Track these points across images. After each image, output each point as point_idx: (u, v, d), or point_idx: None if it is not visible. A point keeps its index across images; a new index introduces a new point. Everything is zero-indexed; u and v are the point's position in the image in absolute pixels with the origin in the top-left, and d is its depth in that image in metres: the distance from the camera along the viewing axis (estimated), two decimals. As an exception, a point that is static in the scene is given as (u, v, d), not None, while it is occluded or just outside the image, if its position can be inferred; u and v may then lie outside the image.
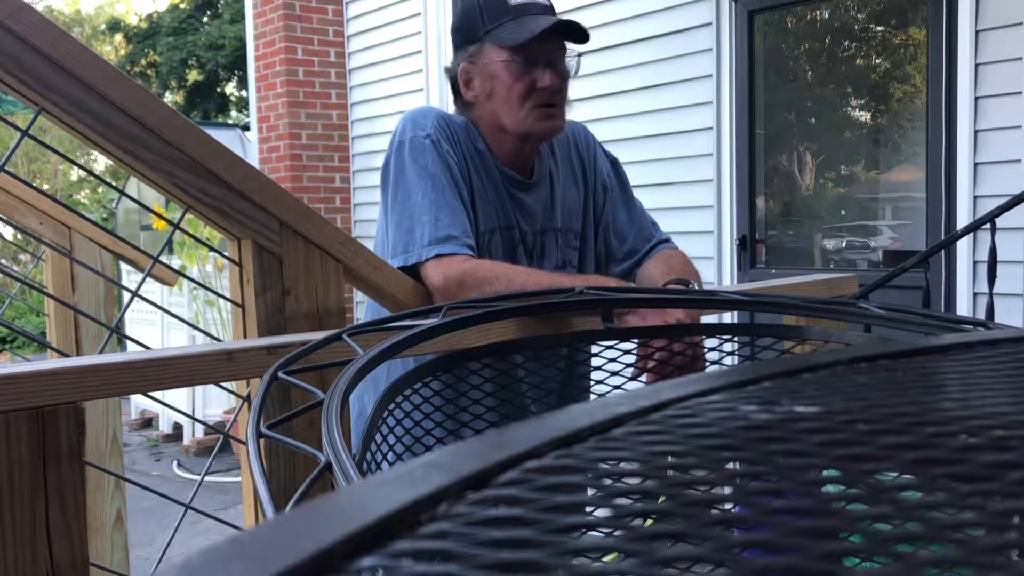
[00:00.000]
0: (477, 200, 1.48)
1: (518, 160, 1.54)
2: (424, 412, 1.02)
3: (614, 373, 1.14)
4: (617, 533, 0.25)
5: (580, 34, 1.50)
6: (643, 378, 1.23)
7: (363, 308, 1.59)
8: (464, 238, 1.39)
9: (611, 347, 1.18)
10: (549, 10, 1.48)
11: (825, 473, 0.30)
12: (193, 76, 17.18)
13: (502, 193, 1.52)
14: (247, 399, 1.12)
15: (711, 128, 4.34)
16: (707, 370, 1.25)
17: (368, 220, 6.35)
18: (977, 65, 3.49)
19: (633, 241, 1.64)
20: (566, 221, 1.60)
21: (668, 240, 1.67)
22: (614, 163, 1.71)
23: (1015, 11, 3.36)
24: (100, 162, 19.02)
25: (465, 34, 1.52)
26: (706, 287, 1.50)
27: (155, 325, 6.27)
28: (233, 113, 18.31)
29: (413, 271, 1.39)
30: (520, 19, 1.45)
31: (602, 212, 1.64)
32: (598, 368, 1.17)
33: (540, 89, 1.46)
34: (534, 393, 1.34)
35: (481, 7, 1.49)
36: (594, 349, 1.21)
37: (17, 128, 1.05)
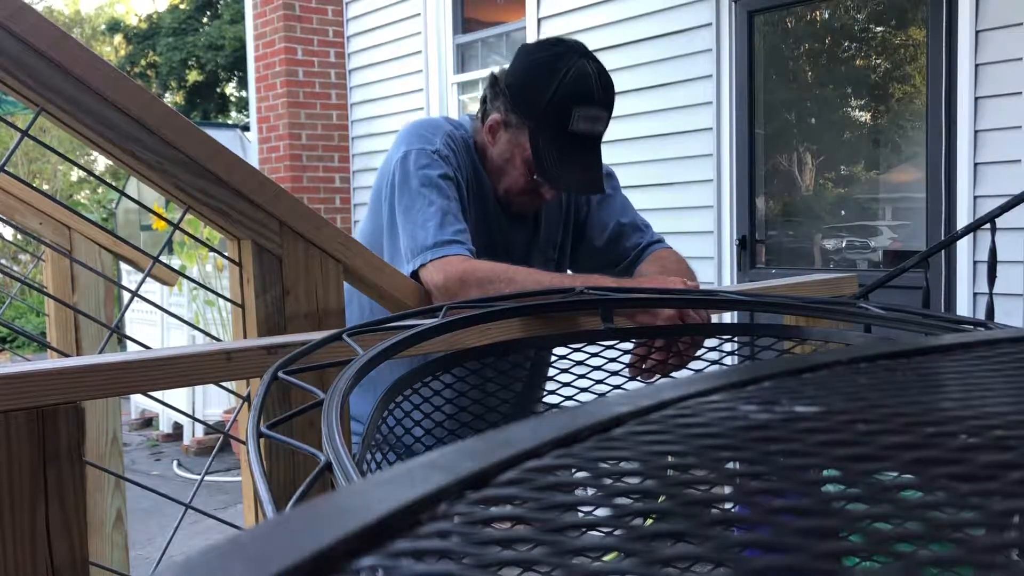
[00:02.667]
0: (472, 219, 1.52)
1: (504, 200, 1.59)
2: (424, 412, 1.02)
3: (614, 373, 1.14)
4: (617, 532, 0.25)
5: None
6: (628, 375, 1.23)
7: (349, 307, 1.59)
8: (467, 242, 1.42)
9: (611, 347, 1.18)
10: (598, 137, 1.50)
11: (825, 473, 0.30)
12: (193, 76, 17.18)
13: (491, 213, 1.57)
14: (247, 399, 1.12)
15: (711, 128, 4.34)
16: (707, 370, 1.25)
17: (368, 220, 6.35)
18: (977, 65, 3.49)
19: (623, 247, 1.66)
20: (547, 233, 1.64)
21: (660, 240, 1.67)
22: (608, 174, 1.71)
23: (1015, 11, 3.36)
24: (100, 162, 19.02)
25: (523, 98, 1.49)
26: (706, 287, 1.50)
27: (155, 325, 6.27)
28: (233, 113, 18.32)
29: (417, 275, 1.41)
30: (567, 149, 1.47)
31: (587, 222, 1.67)
32: (598, 368, 1.16)
33: (540, 189, 1.52)
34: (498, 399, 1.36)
35: (554, 95, 1.44)
36: (594, 349, 1.21)
37: (17, 128, 1.05)
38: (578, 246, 1.68)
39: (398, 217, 1.46)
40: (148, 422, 6.76)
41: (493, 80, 1.56)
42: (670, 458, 0.30)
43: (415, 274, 1.40)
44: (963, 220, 3.52)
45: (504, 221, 1.59)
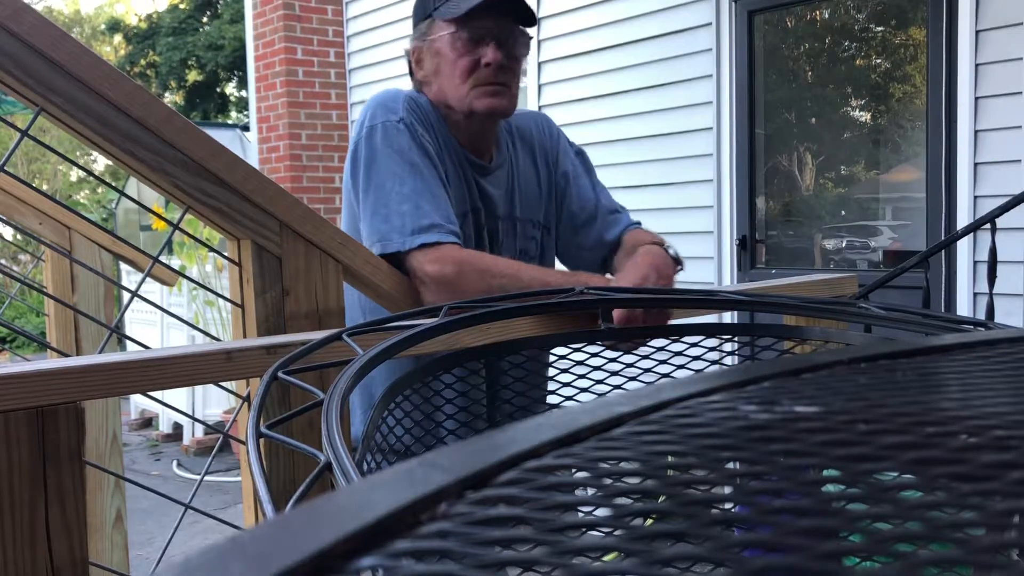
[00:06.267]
0: (450, 182, 1.44)
1: (472, 141, 1.50)
2: (424, 412, 1.02)
3: (614, 373, 1.14)
4: (617, 532, 0.25)
5: (525, 13, 1.46)
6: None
7: (349, 307, 1.54)
8: (448, 225, 1.35)
9: (611, 347, 1.18)
10: None
11: (825, 473, 0.30)
12: (193, 76, 17.19)
13: (468, 176, 1.49)
14: (247, 399, 1.12)
15: (711, 128, 4.34)
16: (707, 370, 1.25)
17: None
18: (977, 65, 3.49)
19: (600, 227, 1.61)
20: (526, 210, 1.57)
21: (638, 223, 1.64)
22: (579, 153, 1.68)
23: (1015, 11, 3.36)
24: (100, 162, 19.04)
25: (418, 12, 1.50)
26: (706, 287, 1.49)
27: (155, 325, 6.28)
28: (233, 113, 18.33)
29: (393, 261, 1.35)
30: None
31: (563, 201, 1.62)
32: (598, 368, 1.16)
33: (484, 65, 1.42)
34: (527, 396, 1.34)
35: None
36: (594, 349, 1.20)
37: (17, 128, 1.05)
38: (558, 227, 1.63)
39: (368, 197, 1.38)
40: (148, 422, 6.76)
41: (405, 51, 1.56)
42: (670, 458, 0.30)
43: (391, 258, 1.34)
44: (963, 220, 3.52)
45: (476, 179, 1.50)
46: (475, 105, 1.44)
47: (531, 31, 1.51)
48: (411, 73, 1.54)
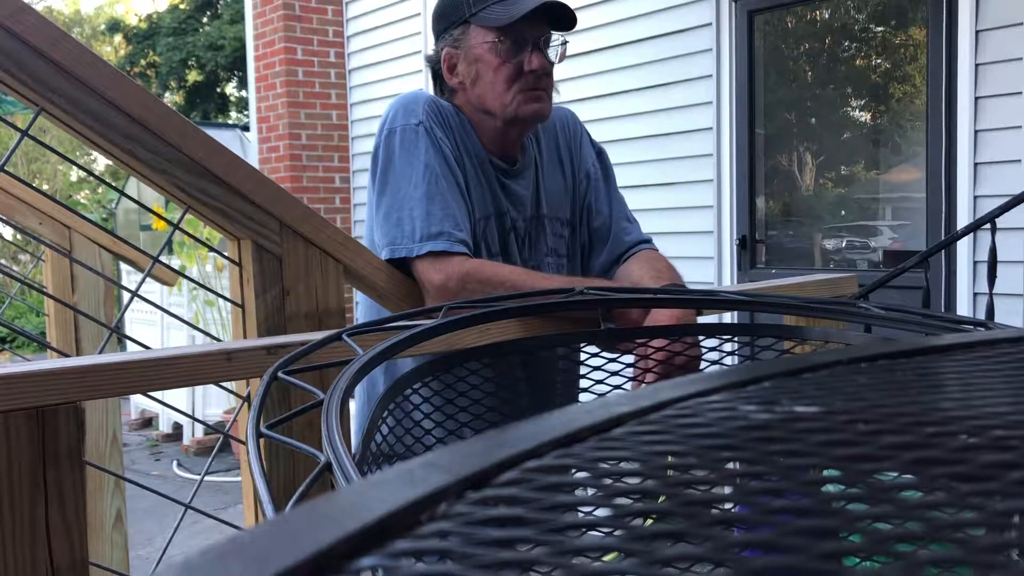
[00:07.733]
0: (471, 187, 1.45)
1: (503, 146, 1.51)
2: (424, 412, 1.02)
3: (614, 373, 1.14)
4: (617, 533, 0.25)
5: (569, 19, 1.46)
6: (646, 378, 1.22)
7: (360, 308, 1.57)
8: (456, 233, 1.36)
9: (611, 347, 1.18)
10: None
11: (825, 473, 0.30)
12: (193, 76, 17.19)
13: (492, 180, 1.49)
14: (247, 399, 1.12)
15: (711, 128, 4.34)
16: (707, 370, 1.25)
17: (368, 220, 6.34)
18: (977, 65, 3.49)
19: (613, 236, 1.60)
20: (553, 209, 1.57)
21: (649, 241, 1.63)
22: (600, 153, 1.67)
23: (1015, 11, 3.36)
24: (100, 162, 19.03)
25: (449, 17, 1.49)
26: (706, 287, 1.49)
27: (155, 325, 6.28)
28: (233, 113, 18.32)
29: (402, 264, 1.36)
30: (506, 1, 1.42)
31: (584, 200, 1.61)
32: (598, 368, 1.16)
33: (527, 72, 1.43)
34: (530, 395, 1.34)
35: None
36: (593, 349, 1.20)
37: (17, 128, 1.05)
38: (579, 226, 1.62)
39: (383, 200, 1.40)
40: (148, 422, 6.76)
41: (427, 58, 1.55)
42: (670, 458, 0.30)
43: (398, 262, 1.36)
44: (963, 220, 3.52)
45: (503, 181, 1.50)
46: (519, 111, 1.45)
47: (567, 35, 1.49)
48: (436, 78, 1.53)
